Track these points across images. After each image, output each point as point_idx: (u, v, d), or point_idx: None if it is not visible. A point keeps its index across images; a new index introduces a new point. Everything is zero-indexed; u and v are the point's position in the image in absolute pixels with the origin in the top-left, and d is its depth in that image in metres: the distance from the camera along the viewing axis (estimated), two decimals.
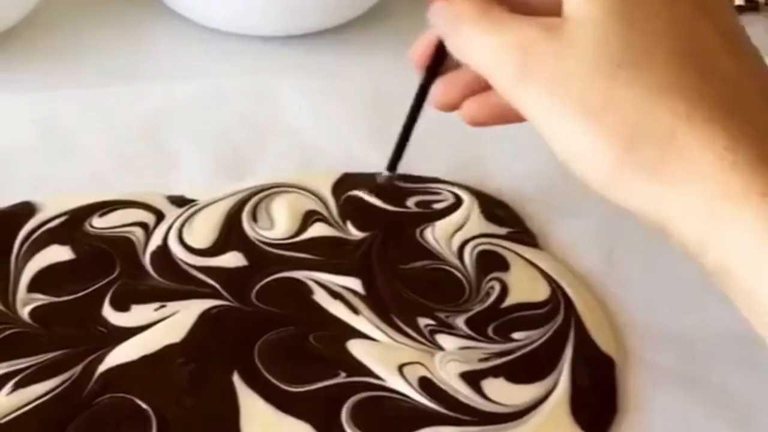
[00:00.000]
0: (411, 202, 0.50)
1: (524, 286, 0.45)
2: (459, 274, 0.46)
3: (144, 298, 0.44)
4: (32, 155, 0.52)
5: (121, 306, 0.43)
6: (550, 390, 0.41)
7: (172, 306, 0.43)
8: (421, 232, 0.48)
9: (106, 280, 0.44)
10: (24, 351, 0.41)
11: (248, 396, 0.40)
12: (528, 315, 0.44)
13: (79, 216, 0.48)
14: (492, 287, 0.45)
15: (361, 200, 0.50)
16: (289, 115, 0.57)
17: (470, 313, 0.44)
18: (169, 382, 0.40)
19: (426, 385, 0.40)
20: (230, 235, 0.47)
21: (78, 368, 0.40)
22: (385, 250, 0.47)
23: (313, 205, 0.49)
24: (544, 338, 0.43)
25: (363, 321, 0.43)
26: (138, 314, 0.43)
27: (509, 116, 0.38)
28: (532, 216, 0.50)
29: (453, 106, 0.42)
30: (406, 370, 0.41)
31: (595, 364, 0.42)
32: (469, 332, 0.43)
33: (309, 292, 0.44)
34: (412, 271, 0.46)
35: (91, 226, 0.47)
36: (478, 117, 0.41)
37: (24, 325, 0.42)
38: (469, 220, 0.49)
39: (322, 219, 0.48)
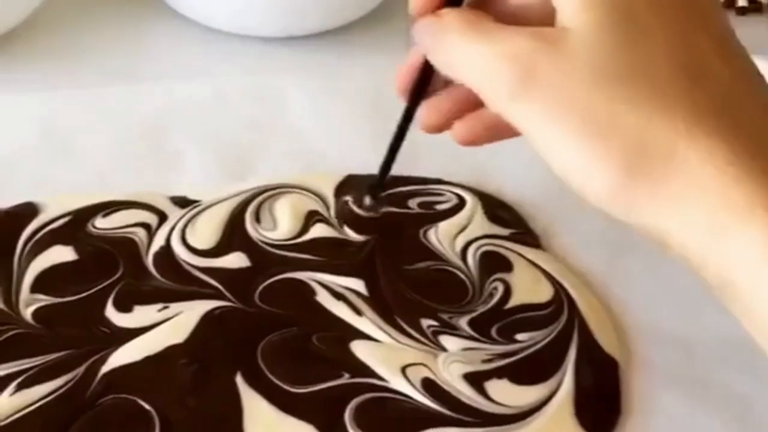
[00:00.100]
0: (413, 203, 0.50)
1: (527, 288, 0.45)
2: (462, 275, 0.46)
3: (147, 299, 0.44)
4: (34, 156, 0.52)
5: (124, 307, 0.43)
6: (554, 391, 0.41)
7: (175, 307, 0.43)
8: (424, 233, 0.48)
9: (109, 281, 0.44)
10: (27, 352, 0.41)
11: (251, 397, 0.40)
12: (531, 316, 0.44)
13: (81, 216, 0.48)
14: (495, 288, 0.45)
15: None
16: (291, 115, 0.57)
17: (473, 314, 0.44)
18: (172, 383, 0.40)
19: (429, 386, 0.40)
20: (233, 235, 0.47)
21: (81, 369, 0.40)
22: (388, 252, 0.47)
23: (316, 206, 0.49)
24: (548, 339, 0.43)
25: (366, 322, 0.43)
26: (141, 315, 0.43)
27: (502, 133, 0.38)
28: (534, 217, 0.50)
29: (441, 128, 0.41)
30: (409, 371, 0.41)
31: (598, 365, 0.42)
32: (472, 333, 0.43)
33: (312, 293, 0.44)
34: (415, 272, 0.46)
35: (94, 227, 0.47)
36: (469, 137, 0.40)
37: (27, 326, 0.42)
38: (472, 221, 0.49)
39: (325, 220, 0.48)
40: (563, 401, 0.40)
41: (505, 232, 0.49)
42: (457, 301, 0.45)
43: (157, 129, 0.55)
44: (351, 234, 0.48)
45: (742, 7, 0.71)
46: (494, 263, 0.46)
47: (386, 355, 0.42)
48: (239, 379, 0.40)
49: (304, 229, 0.48)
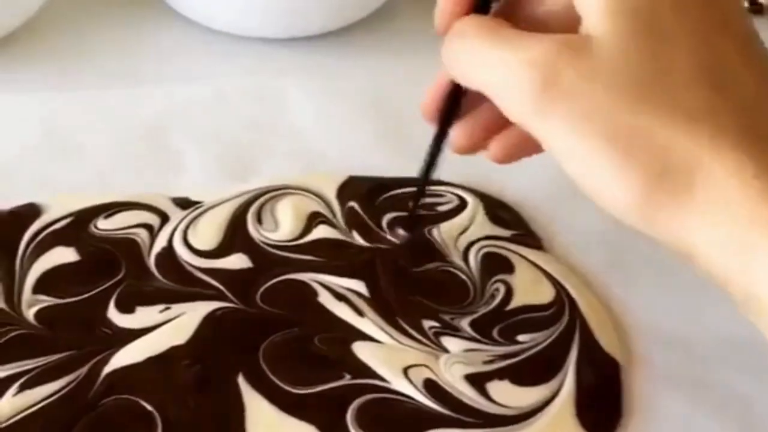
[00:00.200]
0: None
1: (529, 289, 0.45)
2: (464, 276, 0.46)
3: (149, 300, 0.44)
4: (36, 156, 0.53)
5: (126, 308, 0.43)
6: (555, 392, 0.41)
7: (177, 308, 0.43)
8: (426, 234, 0.48)
9: (111, 282, 0.44)
10: (29, 353, 0.41)
11: (253, 397, 0.40)
12: (532, 317, 0.44)
13: (84, 217, 0.48)
14: (497, 289, 0.45)
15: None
16: (292, 116, 0.57)
17: (475, 316, 0.44)
18: (174, 384, 0.40)
19: (431, 387, 0.40)
20: (235, 236, 0.47)
21: (83, 370, 0.40)
22: (389, 253, 0.47)
23: (318, 207, 0.49)
24: (549, 340, 0.43)
25: (368, 323, 0.43)
26: (143, 316, 0.43)
27: (536, 147, 0.36)
28: (536, 218, 0.50)
29: (474, 150, 0.40)
30: (411, 372, 0.41)
31: (600, 366, 0.42)
32: (474, 335, 0.43)
33: (314, 294, 0.44)
34: (416, 274, 0.46)
35: (96, 228, 0.47)
36: (505, 156, 0.39)
37: (29, 327, 0.42)
38: (474, 222, 0.49)
39: (327, 221, 0.48)
40: (564, 402, 0.40)
41: (507, 233, 0.49)
42: (459, 302, 0.45)
43: (157, 129, 0.55)
44: (359, 240, 0.48)
45: None
46: (496, 264, 0.46)
47: (388, 356, 0.42)
48: (241, 380, 0.40)
49: (306, 230, 0.48)
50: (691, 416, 0.41)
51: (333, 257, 0.46)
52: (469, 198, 0.51)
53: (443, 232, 0.48)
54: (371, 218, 0.49)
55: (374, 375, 0.41)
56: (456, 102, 0.39)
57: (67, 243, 0.46)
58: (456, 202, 0.50)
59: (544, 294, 0.45)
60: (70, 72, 0.61)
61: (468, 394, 0.40)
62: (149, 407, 0.39)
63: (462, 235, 0.48)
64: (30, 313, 0.43)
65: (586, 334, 0.43)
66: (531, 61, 0.32)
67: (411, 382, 0.40)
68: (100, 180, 0.51)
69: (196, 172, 0.53)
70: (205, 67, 0.63)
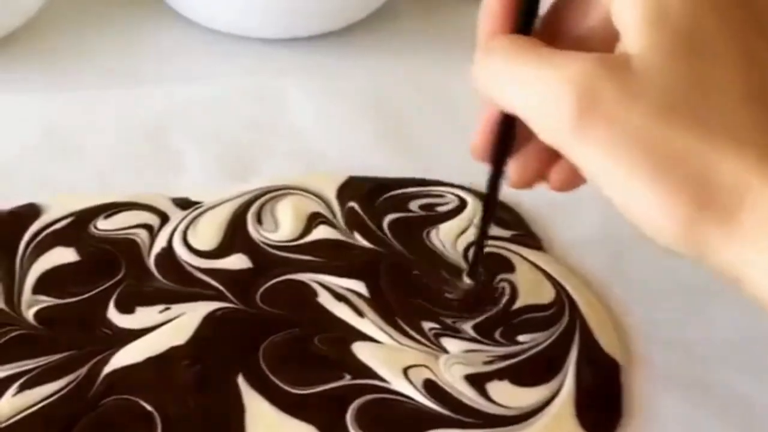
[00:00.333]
0: (415, 205, 0.50)
1: (529, 289, 0.45)
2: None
3: (149, 300, 0.44)
4: (36, 156, 0.53)
5: (125, 308, 0.43)
6: (555, 393, 0.41)
7: (176, 308, 0.43)
8: (426, 234, 0.48)
9: (111, 282, 0.44)
10: (29, 353, 0.41)
11: (253, 398, 0.40)
12: (533, 317, 0.44)
13: (84, 218, 0.48)
14: (503, 289, 0.45)
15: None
16: (292, 116, 0.57)
17: (479, 319, 0.43)
18: (174, 384, 0.40)
19: (431, 387, 0.40)
20: (235, 237, 0.47)
21: (83, 370, 0.40)
22: (389, 253, 0.47)
23: (318, 207, 0.49)
24: (549, 341, 0.43)
25: (367, 323, 0.43)
26: (143, 316, 0.43)
27: None
28: (536, 219, 0.50)
29: (534, 183, 0.39)
30: (411, 372, 0.41)
31: (600, 366, 0.42)
32: (475, 335, 0.43)
33: (313, 294, 0.44)
34: (416, 275, 0.46)
35: (96, 228, 0.47)
36: (568, 183, 0.38)
37: (29, 327, 0.42)
38: (474, 222, 0.49)
39: (327, 222, 0.48)
40: (564, 402, 0.40)
41: (507, 233, 0.49)
42: (460, 303, 0.45)
43: (158, 130, 0.55)
44: (359, 240, 0.48)
45: None
46: (496, 265, 0.46)
47: (388, 357, 0.42)
48: (241, 380, 0.40)
49: (306, 231, 0.48)
50: (691, 416, 0.41)
51: (333, 258, 0.46)
52: (469, 198, 0.51)
53: (443, 233, 0.48)
54: (371, 219, 0.49)
55: (374, 375, 0.41)
56: (508, 136, 0.37)
57: (67, 243, 0.46)
58: (456, 202, 0.50)
59: (544, 294, 0.45)
60: (70, 72, 0.61)
61: (468, 394, 0.40)
62: (149, 407, 0.39)
63: (462, 235, 0.48)
64: (30, 314, 0.43)
65: (586, 334, 0.43)
66: (568, 79, 0.30)
67: (411, 382, 0.40)
68: (100, 180, 0.51)
69: (196, 172, 0.53)
70: (205, 67, 0.63)
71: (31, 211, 0.48)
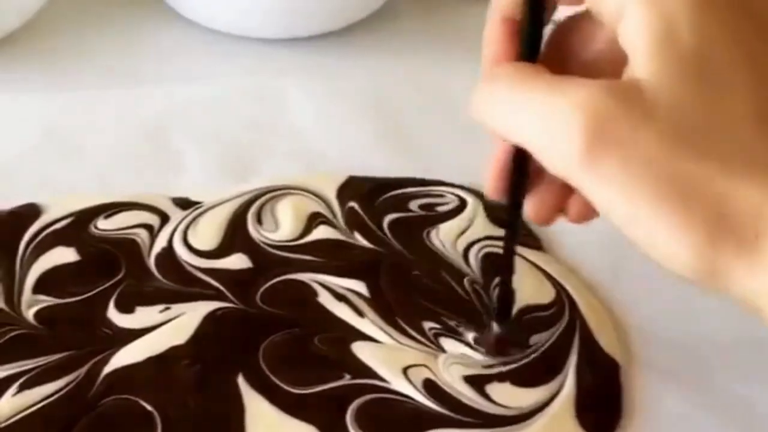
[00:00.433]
0: (415, 205, 0.50)
1: (530, 290, 0.45)
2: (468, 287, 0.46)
3: (149, 300, 0.44)
4: (36, 156, 0.53)
5: (126, 308, 0.43)
6: (555, 393, 0.40)
7: (176, 308, 0.43)
8: (426, 234, 0.48)
9: (111, 282, 0.44)
10: (29, 352, 0.41)
11: (253, 398, 0.40)
12: (533, 318, 0.44)
13: (84, 218, 0.48)
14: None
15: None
16: (292, 115, 0.58)
17: (479, 334, 0.43)
18: (174, 384, 0.40)
19: (431, 387, 0.40)
20: (235, 237, 0.47)
21: (83, 370, 0.40)
22: (389, 253, 0.47)
23: (318, 207, 0.49)
24: (549, 341, 0.43)
25: (367, 323, 0.43)
26: (143, 316, 0.43)
27: None
28: None
29: (553, 219, 0.38)
30: (410, 372, 0.41)
31: (600, 367, 0.42)
32: (476, 346, 0.43)
33: (313, 294, 0.44)
34: (417, 275, 0.46)
35: (96, 228, 0.47)
36: (588, 214, 0.37)
37: (29, 327, 0.42)
38: (474, 222, 0.49)
39: (327, 222, 0.48)
40: (564, 403, 0.40)
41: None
42: (460, 302, 0.45)
43: (158, 130, 0.55)
44: (360, 240, 0.48)
45: None
46: (495, 265, 0.46)
47: (387, 357, 0.42)
48: (241, 380, 0.40)
49: (307, 231, 0.48)
50: (691, 416, 0.41)
51: (333, 257, 0.46)
52: (469, 198, 0.51)
53: (443, 233, 0.48)
54: (371, 218, 0.49)
55: (374, 375, 0.41)
56: (523, 171, 0.36)
57: (67, 243, 0.46)
58: (456, 202, 0.50)
59: (545, 295, 0.45)
60: (70, 72, 0.61)
61: (467, 394, 0.40)
62: (149, 407, 0.39)
63: (462, 235, 0.48)
64: (30, 313, 0.43)
65: (586, 334, 0.43)
66: (577, 106, 0.29)
67: (411, 382, 0.40)
68: (100, 180, 0.51)
69: (196, 172, 0.53)
70: (205, 67, 0.63)
71: (31, 211, 0.48)
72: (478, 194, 0.51)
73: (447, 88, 0.59)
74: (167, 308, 0.43)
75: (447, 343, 0.42)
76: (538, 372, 0.41)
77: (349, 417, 0.39)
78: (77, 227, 0.47)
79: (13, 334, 0.42)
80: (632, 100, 0.29)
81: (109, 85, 0.59)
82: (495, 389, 0.41)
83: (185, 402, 0.39)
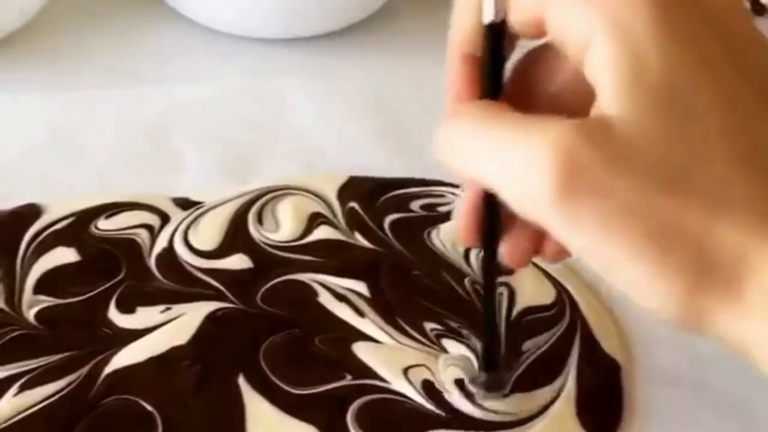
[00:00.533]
0: (416, 205, 0.50)
1: (531, 290, 0.45)
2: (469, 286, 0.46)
3: (150, 300, 0.44)
4: (37, 157, 0.53)
5: (126, 308, 0.43)
6: (556, 393, 0.40)
7: (177, 308, 0.43)
8: (427, 235, 0.48)
9: (112, 282, 0.44)
10: (30, 353, 0.41)
11: (254, 398, 0.40)
12: (533, 319, 0.44)
13: (84, 218, 0.48)
14: (500, 293, 0.45)
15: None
16: (292, 116, 0.57)
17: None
18: (175, 384, 0.40)
19: (431, 387, 0.40)
20: (236, 237, 0.47)
21: (84, 370, 0.40)
22: (390, 254, 0.47)
23: (319, 207, 0.49)
24: (550, 342, 0.43)
25: (368, 323, 0.43)
26: (144, 316, 0.43)
27: None
28: None
29: (530, 259, 0.36)
30: (411, 372, 0.41)
31: (601, 367, 0.42)
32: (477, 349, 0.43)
33: (314, 294, 0.44)
34: (418, 275, 0.46)
35: (97, 228, 0.47)
36: (564, 253, 0.35)
37: (30, 327, 0.42)
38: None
39: (328, 222, 0.48)
40: (565, 403, 0.40)
41: None
42: (460, 303, 0.45)
43: (158, 130, 0.55)
44: (362, 240, 0.48)
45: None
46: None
47: (388, 357, 0.42)
48: (241, 381, 0.40)
49: (307, 231, 0.48)
50: (691, 416, 0.41)
51: (334, 258, 0.46)
52: None
53: (443, 233, 0.48)
54: (372, 219, 0.49)
55: (374, 375, 0.41)
56: (495, 216, 0.34)
57: (67, 243, 0.46)
58: (456, 202, 0.51)
59: (546, 295, 0.45)
60: (70, 72, 0.61)
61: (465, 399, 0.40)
62: (149, 407, 0.39)
63: None
64: (30, 314, 0.43)
65: (587, 335, 0.43)
66: (546, 145, 0.27)
67: (411, 382, 0.40)
68: (101, 180, 0.51)
69: (197, 172, 0.53)
70: (205, 67, 0.63)
71: (32, 211, 0.48)
72: None
73: None
74: (168, 308, 0.43)
75: (448, 344, 0.42)
76: (540, 373, 0.41)
77: (349, 417, 0.39)
78: (78, 227, 0.47)
79: (13, 334, 0.42)
80: (603, 140, 0.27)
81: (109, 85, 0.59)
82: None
83: (186, 402, 0.39)
